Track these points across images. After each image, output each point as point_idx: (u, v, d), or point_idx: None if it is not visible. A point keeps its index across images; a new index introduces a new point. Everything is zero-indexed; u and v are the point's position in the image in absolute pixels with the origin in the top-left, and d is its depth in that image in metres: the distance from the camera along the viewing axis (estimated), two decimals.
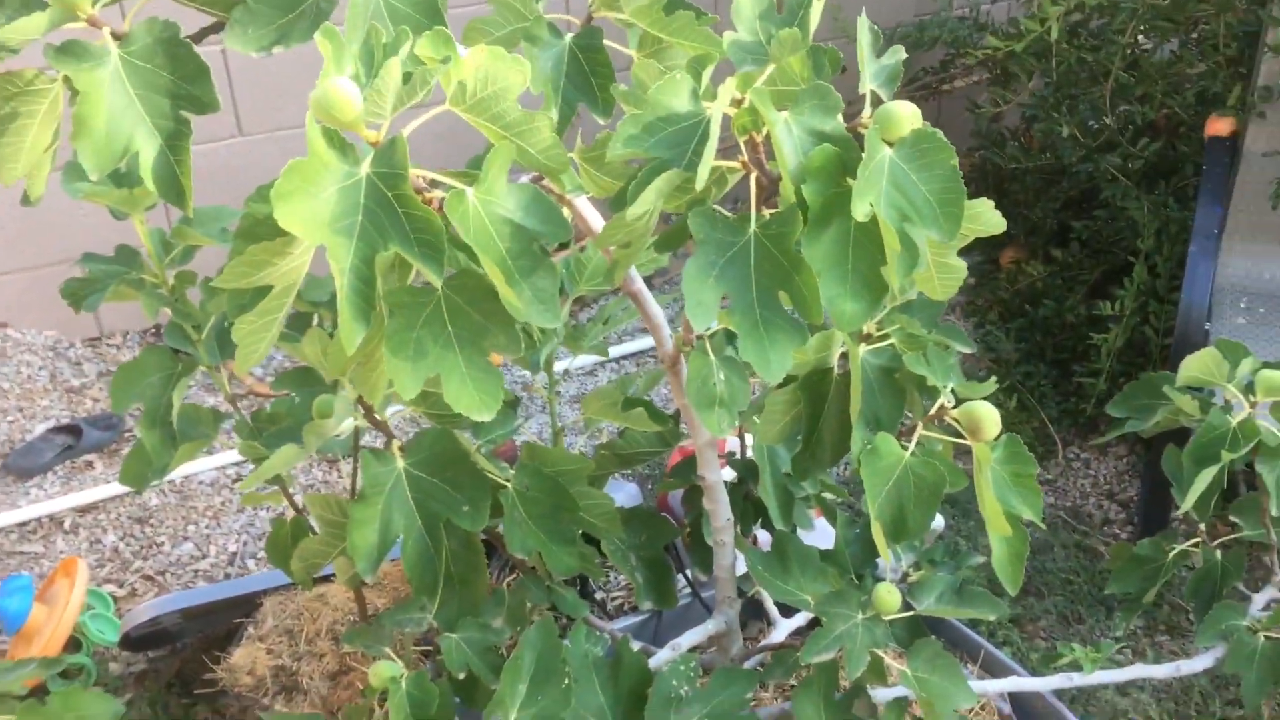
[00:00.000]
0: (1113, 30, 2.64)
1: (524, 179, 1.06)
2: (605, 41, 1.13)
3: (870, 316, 0.87)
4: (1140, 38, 2.72)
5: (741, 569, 1.52)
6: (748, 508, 1.66)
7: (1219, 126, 2.62)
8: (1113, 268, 2.86)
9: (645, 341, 3.17)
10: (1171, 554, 1.61)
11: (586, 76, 1.11)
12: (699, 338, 1.18)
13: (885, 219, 0.84)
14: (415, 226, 0.78)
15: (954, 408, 1.17)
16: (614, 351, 3.13)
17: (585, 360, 3.11)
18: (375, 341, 0.88)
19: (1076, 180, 2.93)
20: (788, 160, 0.85)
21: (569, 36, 1.12)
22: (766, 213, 0.90)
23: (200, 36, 1.09)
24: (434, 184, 0.85)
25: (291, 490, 1.66)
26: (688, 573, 1.91)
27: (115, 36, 1.01)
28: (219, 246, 1.47)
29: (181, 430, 1.48)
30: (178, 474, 2.61)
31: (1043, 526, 1.18)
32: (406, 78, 0.82)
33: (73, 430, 2.70)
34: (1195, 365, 1.51)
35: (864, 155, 0.85)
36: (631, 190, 0.84)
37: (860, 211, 0.83)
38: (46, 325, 3.01)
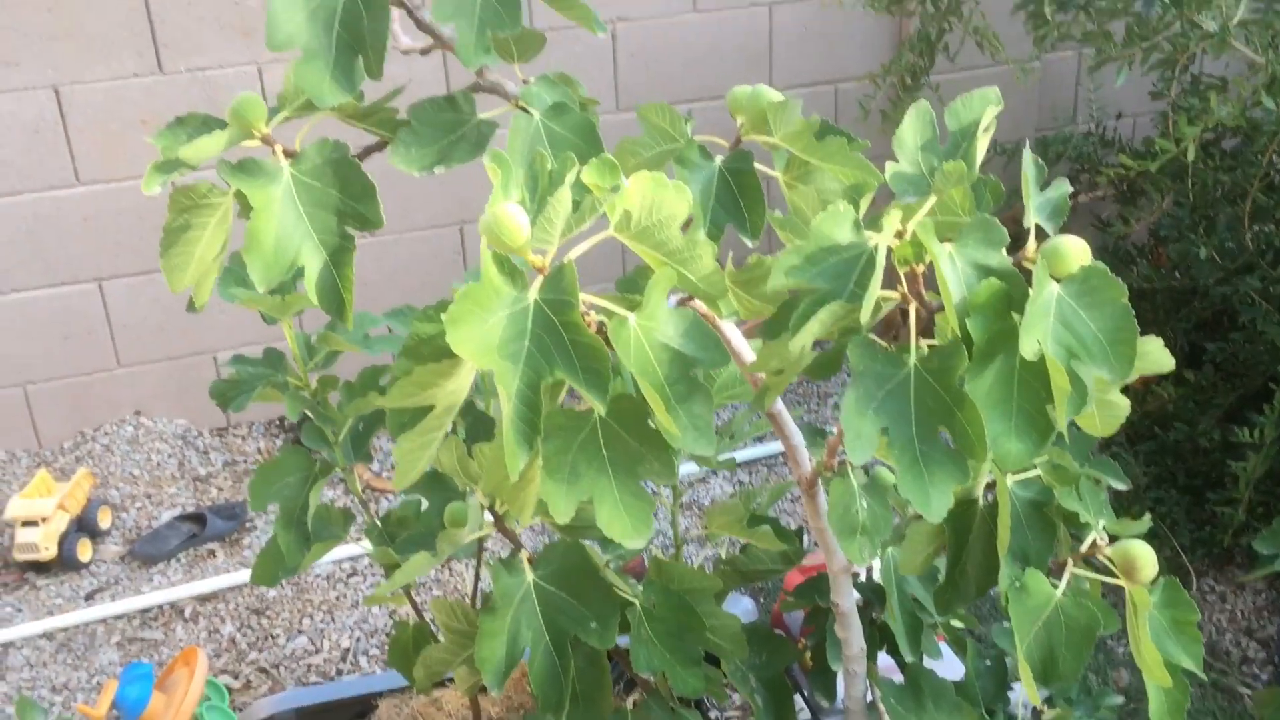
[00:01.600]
0: (1251, 151, 2.59)
1: (672, 299, 1.07)
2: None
3: (1035, 457, 0.84)
4: (1277, 159, 2.66)
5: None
6: (873, 633, 1.61)
7: None
8: (1250, 392, 2.76)
9: (761, 449, 3.14)
10: None
11: (735, 199, 1.12)
12: (841, 462, 1.16)
13: (1053, 357, 0.82)
14: (581, 353, 0.78)
15: (1106, 546, 1.13)
16: (737, 455, 3.11)
17: (695, 468, 3.10)
18: (530, 462, 0.88)
19: (1211, 301, 2.85)
20: (952, 294, 0.84)
21: (719, 159, 1.13)
22: (924, 344, 0.89)
23: (365, 155, 1.13)
24: (594, 308, 0.86)
25: (414, 595, 1.67)
26: (806, 696, 1.86)
27: (287, 155, 1.05)
28: (360, 353, 1.51)
29: (314, 530, 1.50)
30: None
31: (1204, 677, 1.13)
32: (575, 205, 0.83)
33: (198, 519, 2.76)
34: None
35: (1031, 291, 0.83)
36: (794, 322, 0.84)
37: (1029, 349, 0.81)
38: (178, 414, 3.11)
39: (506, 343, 0.77)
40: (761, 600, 2.54)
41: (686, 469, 3.04)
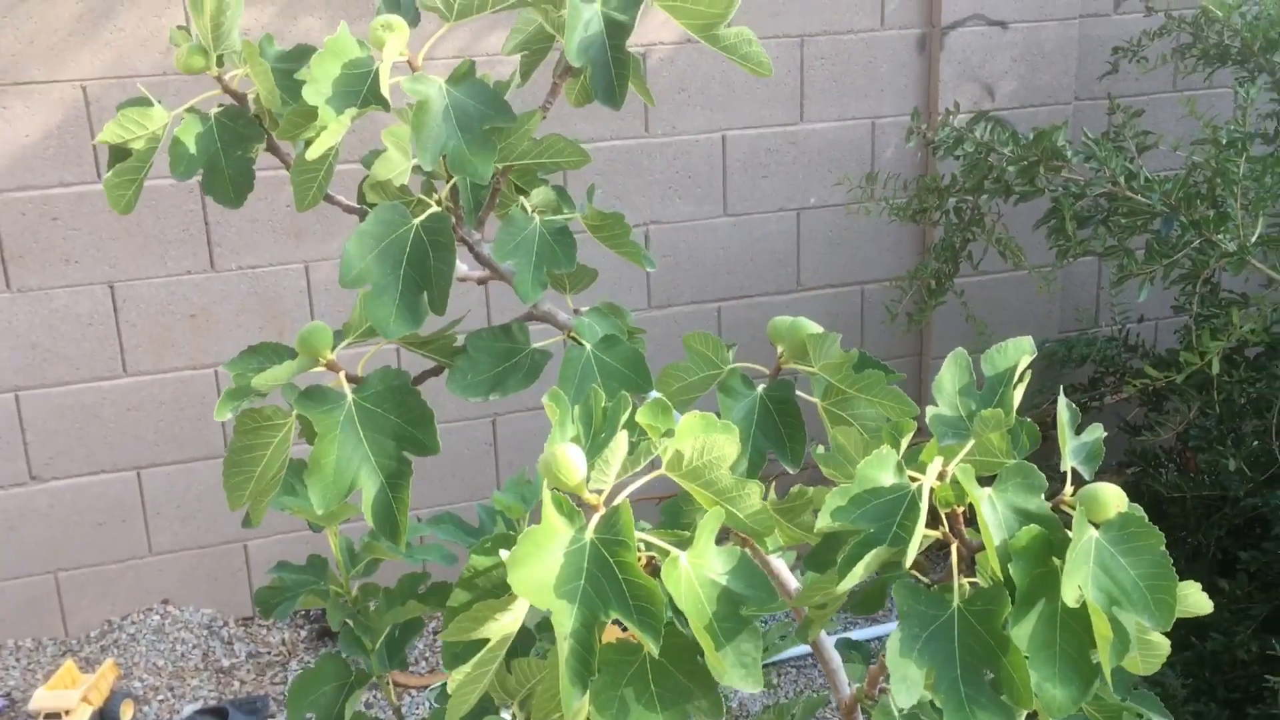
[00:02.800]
0: (1276, 364, 2.63)
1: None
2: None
3: (1081, 703, 0.85)
4: None
5: None
6: None
7: None
8: None
9: (792, 650, 3.10)
10: None
11: (777, 426, 1.15)
12: (882, 691, 1.17)
13: (1095, 603, 0.84)
14: (635, 593, 0.81)
15: None
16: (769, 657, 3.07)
17: None
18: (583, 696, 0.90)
19: (1241, 509, 2.84)
20: (994, 538, 0.87)
21: (761, 388, 1.17)
22: (966, 584, 0.91)
23: (422, 379, 1.18)
24: (647, 544, 0.89)
25: None
26: None
27: (350, 380, 1.10)
28: (400, 559, 1.53)
29: None
30: None
31: None
32: (631, 448, 0.87)
33: (219, 713, 2.73)
34: None
35: (1071, 536, 0.85)
36: (841, 566, 0.86)
37: (1070, 595, 0.83)
38: (205, 603, 3.11)
39: (563, 583, 0.80)
40: None
41: None
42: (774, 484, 1.12)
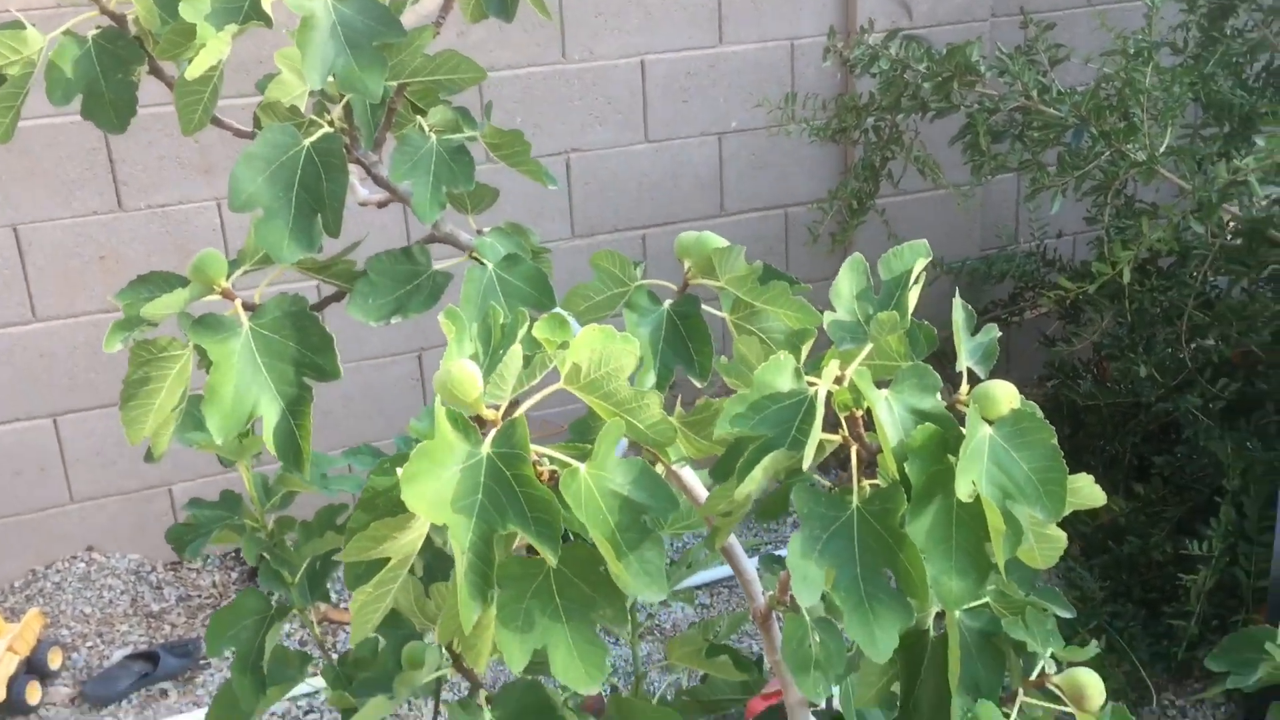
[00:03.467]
0: (1185, 272, 2.69)
1: (623, 445, 1.10)
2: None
3: (976, 595, 0.87)
4: (1212, 277, 2.76)
5: None
6: None
7: None
8: (1198, 505, 2.81)
9: (724, 570, 3.14)
10: None
11: (684, 342, 1.15)
12: (793, 597, 1.18)
13: (988, 497, 0.86)
14: (533, 506, 0.81)
15: (1055, 674, 1.15)
16: (696, 579, 3.11)
17: None
18: (484, 610, 0.90)
19: (1155, 415, 2.92)
20: (889, 438, 0.88)
21: (667, 304, 1.17)
22: (867, 485, 0.92)
23: (323, 306, 1.16)
24: (546, 457, 0.89)
25: None
26: None
27: (247, 308, 1.08)
28: (317, 493, 1.52)
29: (271, 673, 1.49)
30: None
31: None
32: (526, 361, 0.87)
33: (150, 657, 2.71)
34: None
35: (965, 434, 0.87)
36: (740, 469, 0.86)
37: (964, 490, 0.85)
38: (131, 549, 3.07)
39: (459, 498, 0.79)
40: None
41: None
42: (680, 398, 1.12)
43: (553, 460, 0.88)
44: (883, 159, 3.11)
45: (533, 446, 0.85)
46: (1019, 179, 3.69)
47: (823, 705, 1.66)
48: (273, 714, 2.59)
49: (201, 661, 2.77)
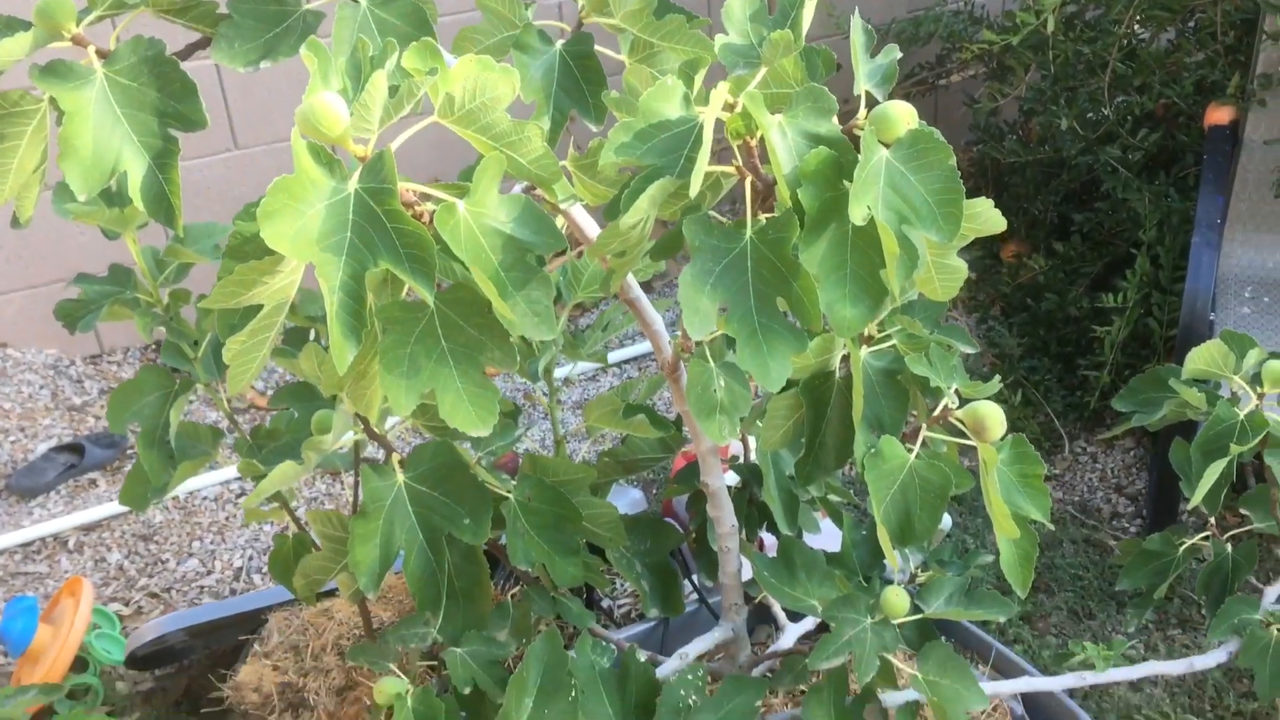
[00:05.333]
0: (1109, 21, 2.62)
1: (518, 189, 1.05)
2: (597, 48, 1.12)
3: (870, 321, 0.85)
4: (1137, 28, 2.71)
5: (748, 574, 1.51)
6: (752, 512, 1.65)
7: (1218, 115, 2.60)
8: (1115, 260, 2.85)
9: (647, 346, 3.16)
10: (1181, 548, 1.59)
11: (578, 83, 1.10)
12: (698, 344, 1.17)
13: (883, 221, 0.83)
14: (405, 242, 0.77)
15: (958, 408, 1.16)
16: (615, 356, 3.12)
17: (587, 366, 3.10)
18: (369, 358, 0.87)
19: (1077, 172, 2.91)
20: (782, 164, 0.84)
21: (560, 44, 1.11)
22: (763, 218, 0.89)
23: (186, 53, 1.08)
24: (424, 197, 0.84)
25: (294, 505, 1.65)
26: (694, 579, 1.90)
27: (100, 55, 1.00)
28: (213, 263, 1.46)
29: (180, 449, 1.47)
30: (181, 490, 2.60)
31: (1050, 527, 1.17)
32: (393, 91, 0.81)
33: (75, 449, 2.69)
34: (1201, 358, 1.49)
35: (860, 157, 0.83)
36: (625, 199, 0.83)
37: (858, 214, 0.82)
38: (47, 344, 3.00)
39: (327, 235, 0.75)
40: (654, 492, 2.57)
41: (580, 368, 3.05)
42: (574, 140, 1.07)
43: (430, 200, 0.84)
44: None
45: (406, 184, 0.81)
46: None
47: (742, 460, 1.69)
48: (204, 498, 2.60)
49: (129, 452, 2.75)
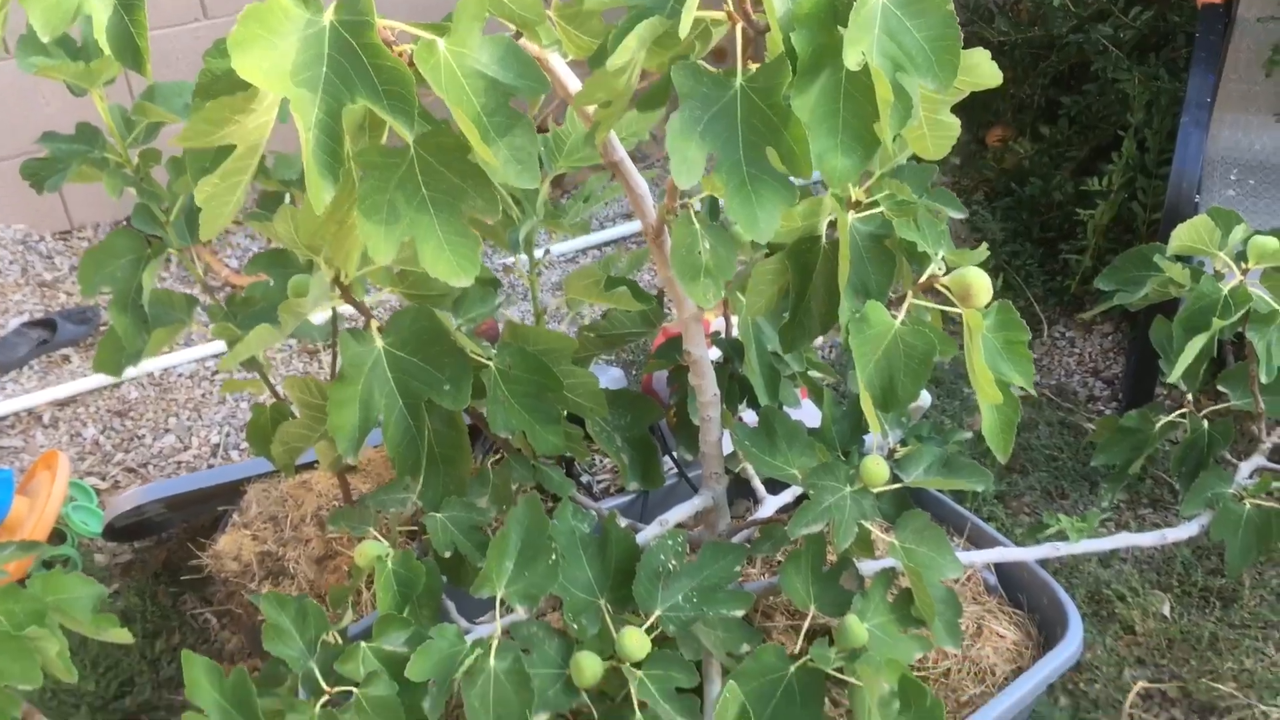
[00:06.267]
0: None
1: None
2: None
3: (861, 171, 0.83)
4: None
5: (728, 449, 1.51)
6: (733, 387, 1.64)
7: None
8: (1102, 144, 2.82)
9: (631, 226, 3.13)
10: (1158, 425, 1.60)
11: None
12: (683, 206, 1.15)
13: (878, 68, 0.80)
14: (384, 78, 0.74)
15: (945, 275, 1.14)
16: (599, 237, 3.09)
17: (569, 246, 3.07)
18: (347, 207, 0.85)
19: (1066, 54, 2.86)
20: (775, 7, 0.81)
21: None
22: (753, 66, 0.86)
23: None
24: (404, 35, 0.81)
25: (272, 380, 1.64)
26: (674, 455, 1.90)
27: None
28: (183, 123, 1.42)
29: (154, 315, 1.45)
30: (156, 366, 2.58)
31: (1033, 393, 1.17)
32: None
33: (47, 324, 2.66)
34: (1187, 233, 1.48)
35: (856, 1, 0.80)
36: (612, 40, 0.80)
37: (852, 60, 0.79)
38: (15, 219, 2.94)
39: (301, 68, 0.72)
40: (634, 373, 2.57)
41: (562, 247, 3.02)
42: None
43: (409, 39, 0.80)
44: None
45: (384, 21, 0.77)
46: None
47: (725, 335, 1.68)
48: (180, 375, 2.58)
49: (102, 328, 2.72)
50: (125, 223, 3.02)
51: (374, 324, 1.27)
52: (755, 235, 0.82)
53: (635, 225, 3.13)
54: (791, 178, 0.83)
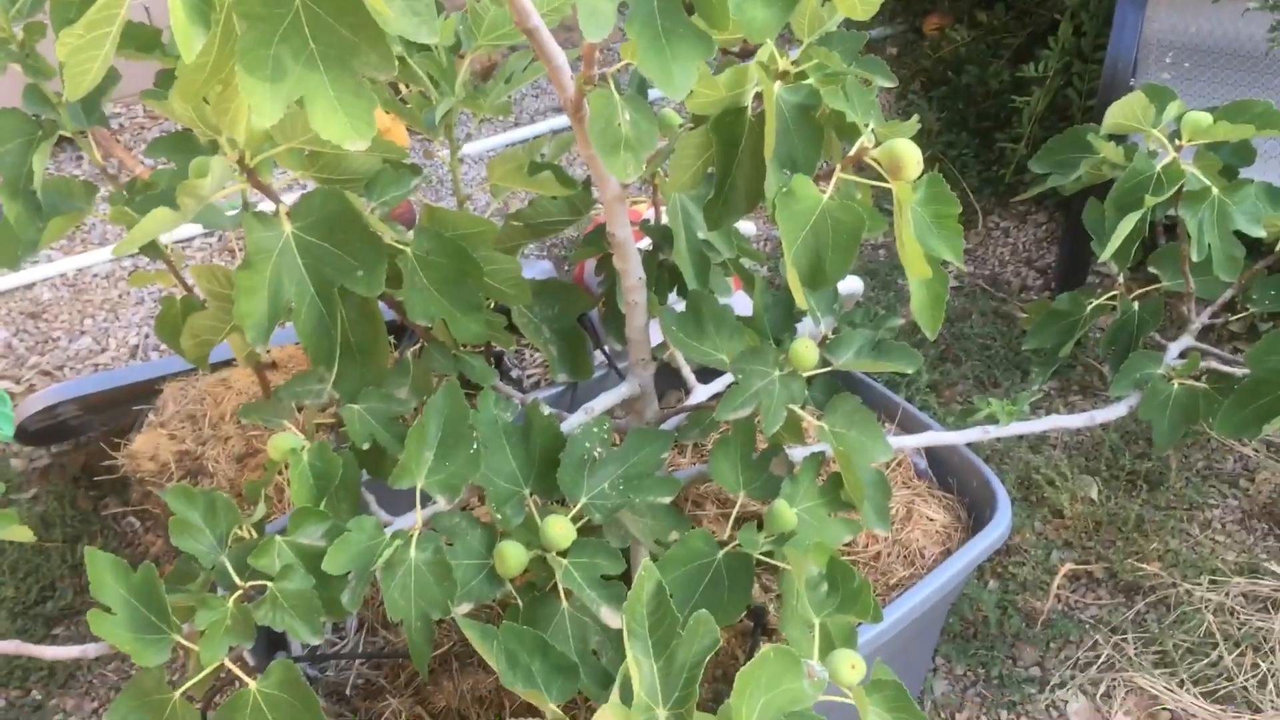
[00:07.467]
0: None
1: None
2: None
3: (783, 24, 0.78)
4: None
5: (657, 339, 1.48)
6: (663, 274, 1.60)
7: None
8: (1039, 29, 2.78)
9: (563, 119, 3.05)
10: (1089, 307, 1.59)
11: None
12: (602, 76, 1.09)
13: None
14: None
15: (874, 149, 1.10)
16: (526, 132, 3.02)
17: (495, 143, 2.99)
18: (230, 64, 0.78)
19: None
20: None
21: None
22: None
23: None
24: None
25: (183, 273, 1.57)
26: (605, 349, 1.87)
27: None
28: None
29: (50, 203, 1.37)
30: (70, 266, 2.48)
31: (963, 267, 1.14)
32: None
33: None
34: (1120, 111, 1.45)
35: None
36: None
37: None
38: None
39: None
40: (565, 268, 2.52)
41: (488, 144, 2.94)
42: None
43: None
44: None
45: None
46: None
47: (654, 221, 1.64)
48: (95, 275, 2.49)
49: None
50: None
51: (282, 208, 1.20)
52: (670, 91, 0.78)
53: (566, 119, 3.05)
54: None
